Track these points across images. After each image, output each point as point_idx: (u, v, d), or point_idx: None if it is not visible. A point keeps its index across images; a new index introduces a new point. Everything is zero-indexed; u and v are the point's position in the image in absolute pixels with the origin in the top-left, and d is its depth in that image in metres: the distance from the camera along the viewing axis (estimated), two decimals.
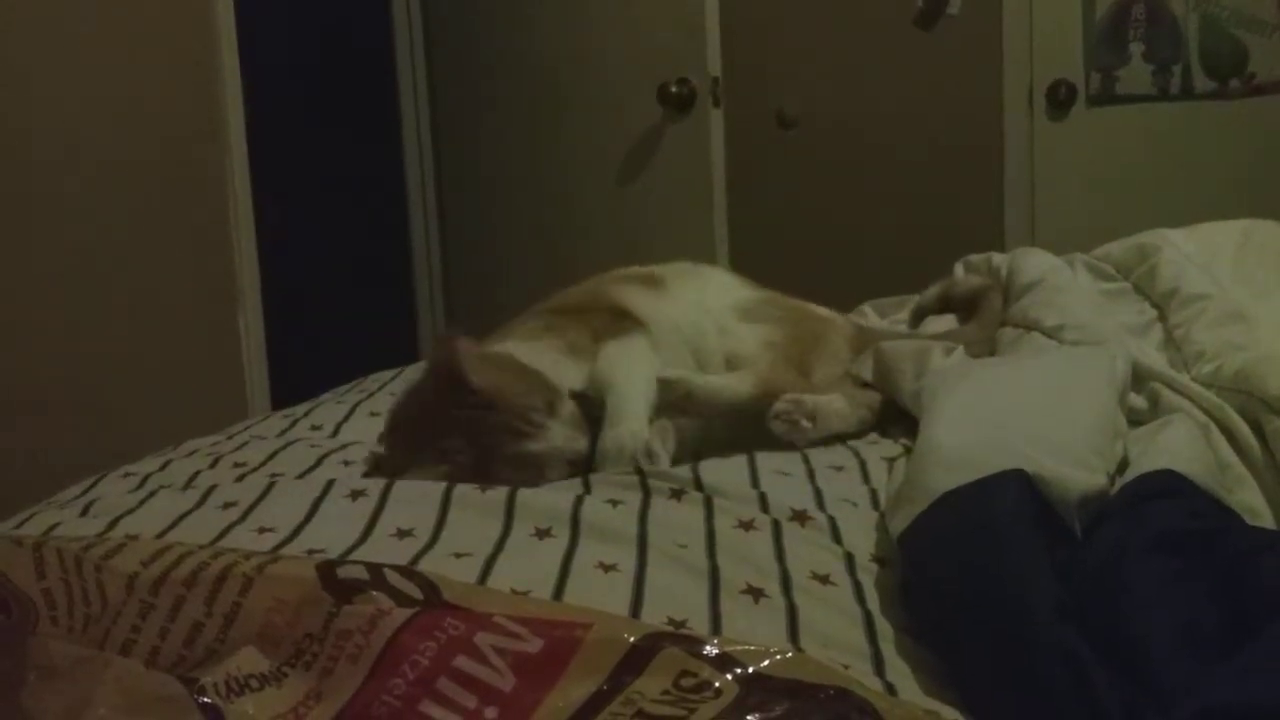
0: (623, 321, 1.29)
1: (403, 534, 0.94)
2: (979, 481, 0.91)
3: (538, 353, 1.22)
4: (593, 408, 1.18)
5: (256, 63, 2.62)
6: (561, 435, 1.13)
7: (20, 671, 0.62)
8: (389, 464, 1.15)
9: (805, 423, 1.24)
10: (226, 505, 1.02)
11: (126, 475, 1.21)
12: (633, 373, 1.21)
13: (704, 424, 1.24)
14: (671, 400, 1.22)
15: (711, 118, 2.67)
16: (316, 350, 3.09)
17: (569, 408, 1.16)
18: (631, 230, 2.83)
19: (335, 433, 1.39)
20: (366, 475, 1.15)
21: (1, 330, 2.13)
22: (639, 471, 1.08)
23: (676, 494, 1.03)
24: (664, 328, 1.31)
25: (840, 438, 1.28)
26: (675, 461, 1.17)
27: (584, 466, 1.14)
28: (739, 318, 1.37)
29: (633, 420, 1.16)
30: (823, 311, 1.53)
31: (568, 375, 1.20)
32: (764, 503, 1.03)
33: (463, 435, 1.11)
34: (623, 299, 1.33)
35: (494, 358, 1.19)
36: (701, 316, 1.36)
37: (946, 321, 1.65)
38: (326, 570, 0.69)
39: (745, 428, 1.25)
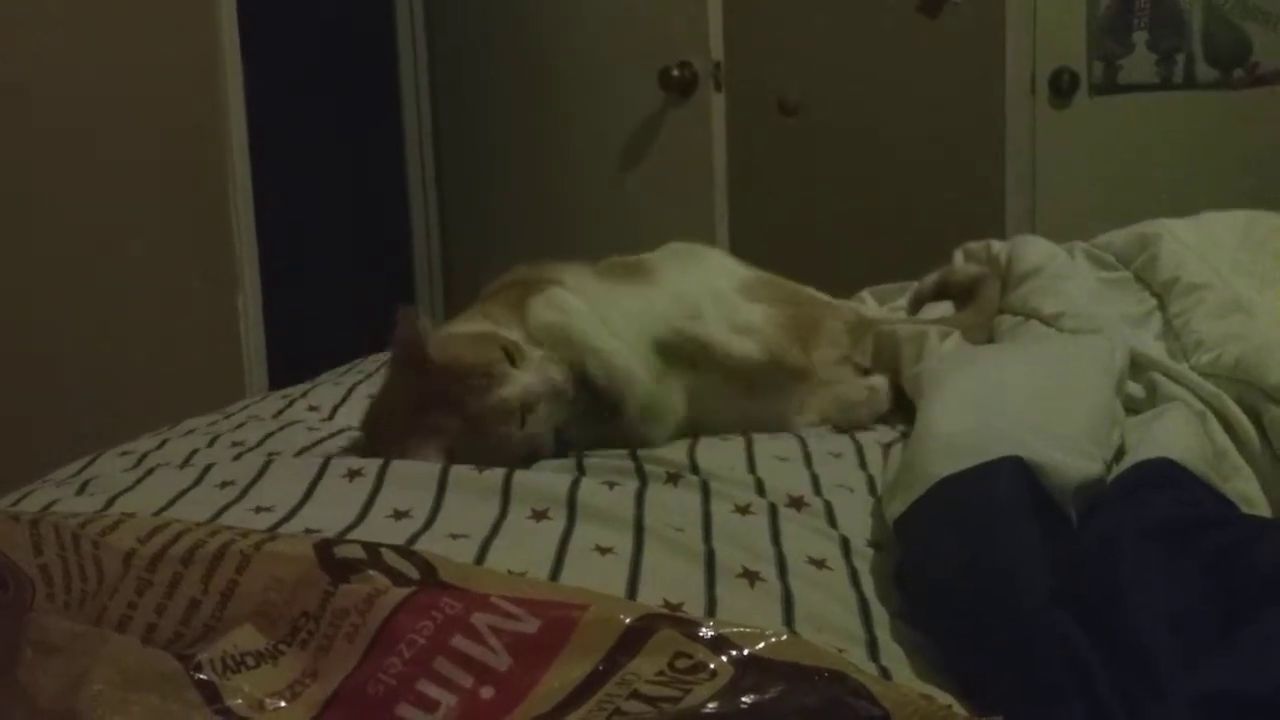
0: (539, 285, 1.26)
1: (399, 515, 0.94)
2: (976, 468, 0.92)
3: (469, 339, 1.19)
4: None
5: (257, 45, 2.61)
6: (531, 374, 1.12)
7: (17, 647, 0.62)
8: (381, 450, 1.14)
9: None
10: (224, 484, 1.02)
11: (124, 453, 1.21)
12: (571, 307, 1.20)
13: (705, 383, 1.24)
14: (686, 352, 1.22)
15: (713, 102, 2.66)
16: (314, 331, 3.09)
17: (536, 353, 1.14)
18: (632, 214, 2.82)
19: (332, 415, 1.39)
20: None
21: (2, 313, 2.13)
22: (634, 456, 1.08)
23: (673, 478, 1.03)
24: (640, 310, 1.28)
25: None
26: (676, 436, 1.18)
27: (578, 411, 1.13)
28: (743, 296, 1.36)
29: (607, 343, 1.17)
30: (822, 296, 1.53)
31: None
32: (760, 487, 1.03)
33: (442, 407, 1.10)
34: (554, 275, 1.30)
35: (443, 337, 1.18)
36: (703, 295, 1.33)
37: (944, 309, 1.65)
38: (324, 549, 0.69)
39: (739, 397, 1.26)
